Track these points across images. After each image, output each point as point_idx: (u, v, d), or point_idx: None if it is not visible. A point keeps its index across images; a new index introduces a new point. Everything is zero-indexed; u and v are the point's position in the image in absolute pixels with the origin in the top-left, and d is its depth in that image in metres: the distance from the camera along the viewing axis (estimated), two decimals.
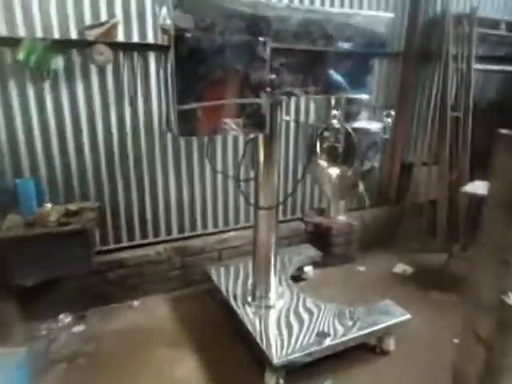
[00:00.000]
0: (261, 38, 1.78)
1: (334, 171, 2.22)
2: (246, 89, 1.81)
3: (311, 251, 3.13)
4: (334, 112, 2.06)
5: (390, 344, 2.28)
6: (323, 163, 2.19)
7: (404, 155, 3.67)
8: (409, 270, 3.28)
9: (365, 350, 2.28)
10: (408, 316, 2.28)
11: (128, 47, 2.46)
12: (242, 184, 2.71)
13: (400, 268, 3.30)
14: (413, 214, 3.64)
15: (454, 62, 3.37)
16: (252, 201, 2.33)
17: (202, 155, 2.82)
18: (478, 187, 3.18)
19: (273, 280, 2.41)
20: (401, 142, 3.54)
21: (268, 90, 1.86)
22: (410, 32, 3.26)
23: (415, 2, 3.22)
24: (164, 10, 1.74)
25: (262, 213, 2.26)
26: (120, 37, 2.43)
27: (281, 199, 2.47)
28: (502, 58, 3.78)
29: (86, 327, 2.51)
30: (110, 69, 2.46)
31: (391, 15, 2.08)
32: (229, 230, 3.11)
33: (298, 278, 3.06)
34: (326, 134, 2.14)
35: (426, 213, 3.65)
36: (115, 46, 2.40)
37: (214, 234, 3.06)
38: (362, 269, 3.30)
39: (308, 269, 3.09)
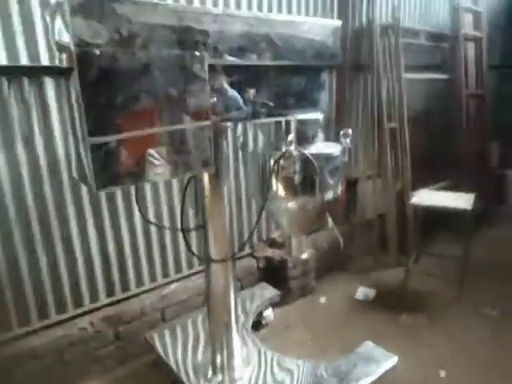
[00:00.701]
0: (196, 53, 1.38)
1: (294, 204, 1.88)
2: (183, 117, 1.40)
3: (268, 292, 2.75)
4: (290, 137, 1.73)
5: None
6: (280, 197, 1.84)
7: (347, 171, 3.50)
8: (371, 293, 3.06)
9: None
10: (395, 359, 2.00)
11: (14, 72, 1.88)
12: (179, 233, 2.24)
13: (362, 293, 3.07)
14: (363, 230, 3.47)
15: (384, 73, 3.29)
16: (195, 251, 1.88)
17: (127, 196, 2.30)
18: (425, 197, 3.11)
19: (236, 344, 1.97)
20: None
21: (210, 116, 1.46)
22: (341, 44, 3.09)
23: (343, 12, 3.09)
24: (58, 20, 1.25)
25: (215, 266, 1.82)
26: (2, 60, 1.85)
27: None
28: (425, 67, 3.84)
29: None
30: None
31: (339, 22, 1.82)
32: (170, 282, 2.59)
33: (257, 324, 2.65)
34: (281, 162, 1.79)
35: (375, 228, 3.50)
36: None
37: (152, 290, 2.52)
38: (323, 300, 3.00)
39: (268, 312, 2.70)
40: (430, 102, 3.99)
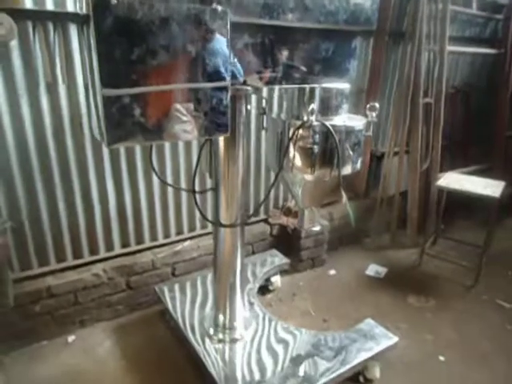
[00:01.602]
0: (218, 7, 1.30)
1: (309, 176, 1.83)
2: (199, 76, 1.35)
3: (278, 259, 2.77)
4: (312, 106, 1.65)
5: (376, 372, 2.00)
6: (297, 167, 1.80)
7: (374, 145, 3.38)
8: (382, 270, 3.04)
9: (346, 379, 1.98)
10: (395, 340, 2.00)
11: (40, 17, 1.86)
12: (198, 196, 2.26)
13: (373, 270, 3.05)
14: (383, 207, 3.39)
15: (426, 43, 3.06)
16: (209, 215, 1.89)
17: (145, 153, 2.31)
18: (452, 181, 2.98)
19: (238, 306, 2.01)
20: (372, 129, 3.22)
21: (229, 79, 1.41)
22: (383, 9, 2.88)
23: None
24: None
25: (223, 230, 1.83)
26: (27, 3, 1.82)
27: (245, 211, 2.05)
28: (472, 39, 3.55)
29: (5, 378, 1.99)
30: (15, 46, 1.85)
31: None
32: (183, 240, 2.65)
33: (264, 288, 2.70)
34: (300, 132, 1.73)
35: (396, 206, 3.41)
36: (20, 16, 1.79)
37: (165, 245, 2.59)
38: (332, 273, 3.01)
39: (275, 278, 2.73)
40: (472, 78, 3.73)
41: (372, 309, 2.53)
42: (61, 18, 1.89)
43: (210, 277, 2.51)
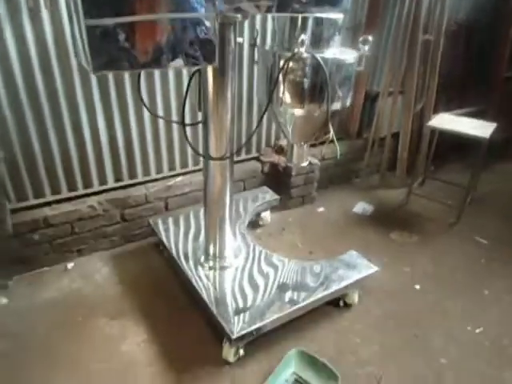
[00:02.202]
0: None
1: (299, 111, 1.84)
2: (185, 4, 1.31)
3: (269, 195, 2.85)
4: (302, 37, 1.61)
5: (355, 297, 2.16)
6: (286, 101, 1.80)
7: (369, 85, 3.33)
8: (369, 208, 3.15)
9: (328, 304, 2.14)
10: (374, 269, 2.13)
11: None
12: (188, 128, 2.26)
13: (360, 207, 3.15)
14: (374, 148, 3.42)
15: None
16: (201, 149, 1.91)
17: (136, 85, 2.28)
18: (444, 121, 2.98)
19: (228, 237, 2.12)
20: (367, 68, 3.15)
21: (216, 3, 1.36)
22: None
23: None
24: None
25: (213, 164, 1.88)
26: None
27: (235, 145, 2.08)
28: None
29: (9, 300, 2.14)
30: None
31: None
32: (175, 175, 2.70)
33: (254, 223, 2.81)
34: (290, 64, 1.71)
35: (388, 147, 3.44)
36: None
37: (157, 180, 2.65)
38: (321, 210, 3.11)
39: (265, 214, 2.83)
40: (476, 13, 3.56)
41: (357, 243, 2.65)
42: None
43: (202, 211, 2.59)
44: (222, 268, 2.12)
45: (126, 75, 2.23)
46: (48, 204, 2.33)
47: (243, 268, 2.13)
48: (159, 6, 1.27)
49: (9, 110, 2.01)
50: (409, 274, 2.47)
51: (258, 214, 2.79)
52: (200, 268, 2.11)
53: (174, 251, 2.24)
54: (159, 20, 1.28)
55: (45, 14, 1.93)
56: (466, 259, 2.62)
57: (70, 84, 2.12)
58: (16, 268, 2.26)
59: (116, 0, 1.19)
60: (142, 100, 2.01)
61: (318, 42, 1.75)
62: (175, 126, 2.54)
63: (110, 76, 2.19)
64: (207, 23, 1.37)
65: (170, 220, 2.52)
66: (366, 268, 2.14)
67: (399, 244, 2.75)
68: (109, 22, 1.20)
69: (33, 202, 2.29)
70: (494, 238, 2.82)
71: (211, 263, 2.13)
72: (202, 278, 2.03)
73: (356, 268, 2.13)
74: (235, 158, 2.17)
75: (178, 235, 2.38)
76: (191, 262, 2.15)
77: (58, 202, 2.35)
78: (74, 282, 2.28)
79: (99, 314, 2.07)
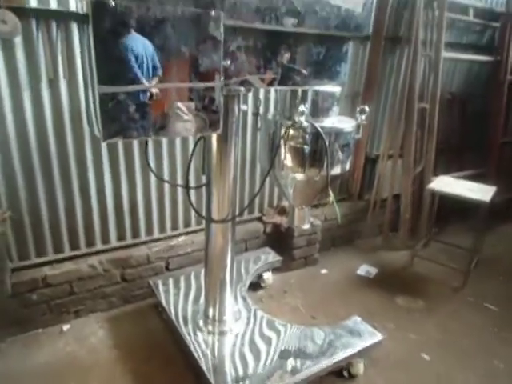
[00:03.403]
0: (212, 12, 1.37)
1: (300, 175, 1.89)
2: (193, 78, 1.41)
3: (271, 256, 2.83)
4: (302, 107, 1.71)
5: (360, 367, 2.05)
6: (288, 166, 1.86)
7: (369, 148, 3.44)
8: (373, 271, 3.10)
9: (331, 374, 2.04)
10: (380, 337, 2.05)
11: (43, 15, 1.92)
12: (192, 190, 2.32)
13: (364, 270, 3.10)
14: (376, 209, 3.45)
15: (422, 48, 3.13)
16: (203, 212, 1.95)
17: (143, 149, 2.37)
18: (444, 184, 3.03)
19: (228, 300, 2.08)
20: (366, 133, 3.29)
21: (222, 79, 1.47)
22: (380, 14, 2.95)
23: None
24: None
25: (215, 225, 1.90)
26: (32, 2, 1.89)
27: (238, 207, 2.12)
28: (468, 46, 3.61)
29: (2, 362, 2.06)
30: (19, 42, 1.92)
31: None
32: (178, 235, 2.71)
33: (256, 285, 2.76)
34: (291, 132, 1.80)
35: (389, 208, 3.46)
36: (25, 14, 1.86)
37: (160, 240, 2.66)
38: (324, 272, 3.07)
39: (267, 275, 2.79)
40: (468, 85, 3.78)
41: (360, 308, 2.58)
42: (63, 17, 1.96)
43: (203, 272, 2.56)
44: (222, 333, 2.05)
45: (135, 141, 2.34)
46: (49, 263, 2.32)
47: (243, 333, 2.06)
48: (169, 77, 1.37)
49: (20, 169, 2.09)
50: (416, 341, 2.37)
51: (260, 276, 2.75)
52: (199, 333, 2.04)
53: (172, 314, 2.19)
54: (170, 92, 1.38)
55: (62, 83, 2.07)
56: (475, 327, 2.52)
57: (81, 148, 2.21)
58: (11, 330, 2.20)
59: (128, 69, 1.29)
60: (148, 165, 2.09)
61: (317, 111, 1.86)
62: (180, 188, 2.60)
63: (120, 141, 2.29)
64: (213, 95, 1.47)
65: (171, 281, 2.49)
66: (370, 335, 2.06)
67: (404, 309, 2.67)
68: (120, 89, 1.29)
69: (34, 260, 2.29)
70: (503, 304, 2.74)
71: (210, 327, 2.07)
72: (201, 344, 1.96)
73: (360, 335, 2.05)
74: (237, 219, 2.19)
75: (178, 297, 2.34)
76: (190, 326, 2.09)
77: (60, 260, 2.35)
78: (68, 345, 2.20)
79: (92, 380, 1.97)
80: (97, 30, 1.21)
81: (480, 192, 2.85)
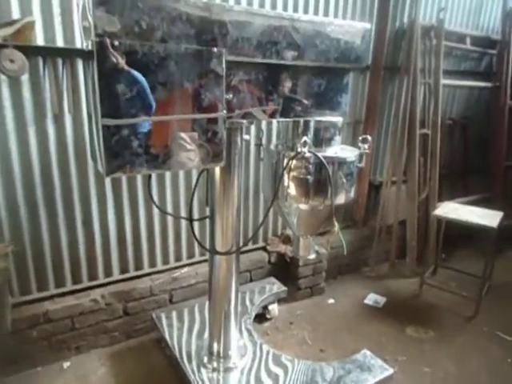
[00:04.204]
0: (215, 49, 1.39)
1: (304, 205, 1.88)
2: (196, 111, 1.42)
3: (276, 286, 2.78)
4: (304, 138, 1.72)
5: None
6: (291, 196, 1.85)
7: (372, 174, 3.43)
8: (381, 300, 3.02)
9: None
10: (391, 371, 1.98)
11: (50, 53, 1.98)
12: (198, 223, 2.31)
13: (372, 299, 3.03)
14: (382, 236, 3.40)
15: (421, 76, 3.17)
16: (207, 243, 1.92)
17: (146, 181, 2.38)
18: (450, 210, 3.00)
19: (233, 334, 2.02)
20: (369, 159, 3.29)
21: (224, 112, 1.48)
22: (378, 44, 3.01)
23: (383, 12, 2.99)
24: (85, 8, 1.30)
25: (219, 257, 1.87)
26: (39, 40, 1.95)
27: (242, 237, 2.09)
28: (467, 73, 3.67)
29: None
30: (26, 80, 1.96)
31: (368, 25, 1.77)
32: (181, 267, 2.67)
33: (261, 316, 2.69)
34: (294, 162, 1.79)
35: (395, 235, 3.42)
36: (32, 52, 1.92)
37: (163, 271, 2.62)
38: (331, 302, 2.99)
39: (273, 307, 2.73)
40: (468, 110, 3.82)
41: (370, 340, 2.50)
42: (69, 54, 2.01)
43: (207, 304, 2.51)
44: (227, 370, 1.98)
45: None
46: (50, 297, 2.28)
47: (249, 369, 1.99)
48: (172, 112, 1.38)
49: (24, 201, 2.09)
50: (428, 375, 2.27)
51: (265, 307, 2.69)
52: (203, 370, 1.97)
53: (176, 350, 2.12)
54: (172, 126, 1.39)
55: (67, 119, 2.10)
56: (490, 358, 2.43)
57: (85, 181, 2.22)
58: (9, 368, 2.14)
59: (131, 102, 1.30)
60: (151, 198, 2.08)
61: (320, 141, 1.87)
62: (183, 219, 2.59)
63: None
64: (216, 127, 1.48)
65: (174, 314, 2.43)
66: (381, 370, 1.98)
67: (415, 340, 2.58)
68: (123, 122, 1.30)
69: (35, 295, 2.25)
70: None
71: (215, 364, 2.00)
72: (205, 382, 1.89)
73: (370, 370, 1.98)
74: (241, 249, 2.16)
75: (182, 331, 2.28)
76: (194, 363, 2.02)
77: (61, 295, 2.30)
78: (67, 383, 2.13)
79: None
80: (101, 67, 1.23)
81: (487, 217, 2.81)
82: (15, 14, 1.87)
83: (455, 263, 3.42)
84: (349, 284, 3.23)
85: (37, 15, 1.91)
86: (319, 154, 1.73)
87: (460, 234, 3.41)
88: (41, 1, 1.91)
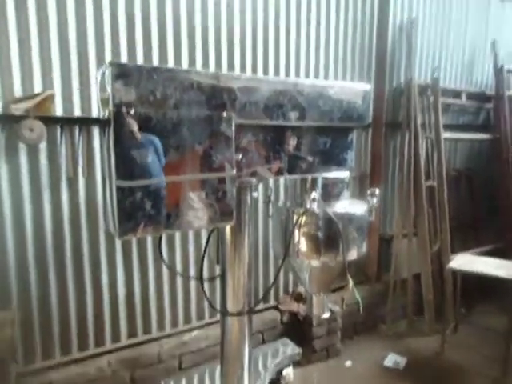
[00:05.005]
0: (224, 113, 1.47)
1: (315, 262, 1.85)
2: (206, 172, 1.47)
3: (290, 348, 2.65)
4: (313, 194, 1.74)
5: None
6: (302, 253, 1.83)
7: (382, 228, 3.41)
8: (401, 361, 2.85)
9: None
10: None
11: (67, 122, 2.09)
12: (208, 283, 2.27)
13: (391, 360, 2.86)
14: (396, 291, 3.30)
15: (422, 131, 3.27)
16: (218, 304, 1.88)
17: (156, 242, 2.38)
18: (464, 262, 2.93)
19: None
20: (377, 214, 3.28)
21: (234, 172, 1.53)
22: (378, 102, 3.15)
23: (380, 72, 3.16)
24: (104, 76, 1.39)
25: (230, 319, 1.81)
26: (58, 110, 2.07)
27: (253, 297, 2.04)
28: (466, 127, 3.78)
29: None
30: (44, 146, 2.05)
31: (368, 86, 1.87)
32: (191, 329, 2.58)
33: (276, 382, 2.54)
34: (304, 219, 1.80)
35: (410, 289, 3.31)
36: (51, 121, 2.03)
37: (172, 335, 2.52)
38: (348, 364, 2.83)
39: (287, 371, 2.58)
40: (472, 161, 3.88)
41: None
42: (86, 122, 2.12)
43: (218, 369, 2.38)
44: None
45: None
46: (56, 366, 2.19)
47: None
48: (184, 170, 1.42)
49: (34, 265, 2.09)
50: None
51: (280, 372, 2.54)
52: None
53: None
54: (185, 187, 1.42)
55: (81, 182, 2.17)
56: None
57: (95, 243, 2.23)
58: None
59: (144, 165, 1.35)
60: (161, 257, 2.08)
61: (328, 196, 1.88)
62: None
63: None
64: (225, 187, 1.51)
65: (184, 382, 2.30)
66: None
67: None
68: (137, 183, 1.34)
69: (40, 364, 2.16)
70: None
71: None
72: None
73: None
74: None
75: None
76: None
77: (67, 364, 2.21)
78: None
79: None
80: (117, 133, 1.30)
81: (505, 269, 2.73)
82: (37, 86, 2.01)
83: (477, 318, 3.28)
84: (366, 344, 3.08)
85: (57, 88, 2.05)
86: (329, 210, 1.74)
87: (478, 287, 3.29)
88: (61, 76, 2.06)
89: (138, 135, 1.33)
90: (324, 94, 1.72)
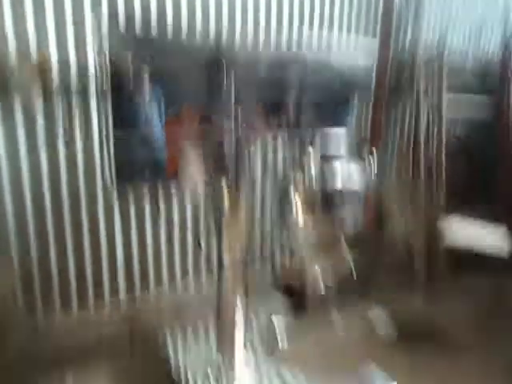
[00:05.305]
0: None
1: (311, 232, 1.85)
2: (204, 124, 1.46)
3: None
4: (309, 149, 1.72)
5: None
6: (297, 214, 1.83)
7: (377, 196, 3.42)
8: (391, 332, 2.91)
9: None
10: None
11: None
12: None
13: (383, 327, 2.93)
14: (391, 262, 3.36)
15: (425, 96, 3.22)
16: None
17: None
18: (458, 230, 2.98)
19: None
20: (375, 184, 3.29)
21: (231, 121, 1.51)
22: (381, 68, 3.08)
23: (386, 30, 3.05)
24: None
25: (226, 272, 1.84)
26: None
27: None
28: (471, 91, 3.72)
29: None
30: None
31: (374, 41, 1.82)
32: (188, 284, 2.63)
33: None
34: (300, 176, 1.79)
35: (403, 250, 3.37)
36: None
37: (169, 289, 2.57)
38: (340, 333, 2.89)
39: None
40: (475, 130, 3.83)
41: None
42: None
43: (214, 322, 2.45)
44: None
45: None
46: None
47: None
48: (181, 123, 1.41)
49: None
50: None
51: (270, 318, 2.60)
52: None
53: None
54: (179, 136, 1.41)
55: (78, 144, 2.11)
56: None
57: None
58: None
59: (138, 114, 1.33)
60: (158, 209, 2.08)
61: (325, 157, 1.87)
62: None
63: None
64: (223, 140, 1.50)
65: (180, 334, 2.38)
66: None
67: (425, 367, 2.47)
68: (132, 133, 1.33)
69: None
70: None
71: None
72: None
73: None
74: None
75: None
76: None
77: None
78: None
79: None
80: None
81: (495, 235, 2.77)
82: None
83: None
84: (359, 312, 3.13)
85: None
86: (325, 168, 1.73)
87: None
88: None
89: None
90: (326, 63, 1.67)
